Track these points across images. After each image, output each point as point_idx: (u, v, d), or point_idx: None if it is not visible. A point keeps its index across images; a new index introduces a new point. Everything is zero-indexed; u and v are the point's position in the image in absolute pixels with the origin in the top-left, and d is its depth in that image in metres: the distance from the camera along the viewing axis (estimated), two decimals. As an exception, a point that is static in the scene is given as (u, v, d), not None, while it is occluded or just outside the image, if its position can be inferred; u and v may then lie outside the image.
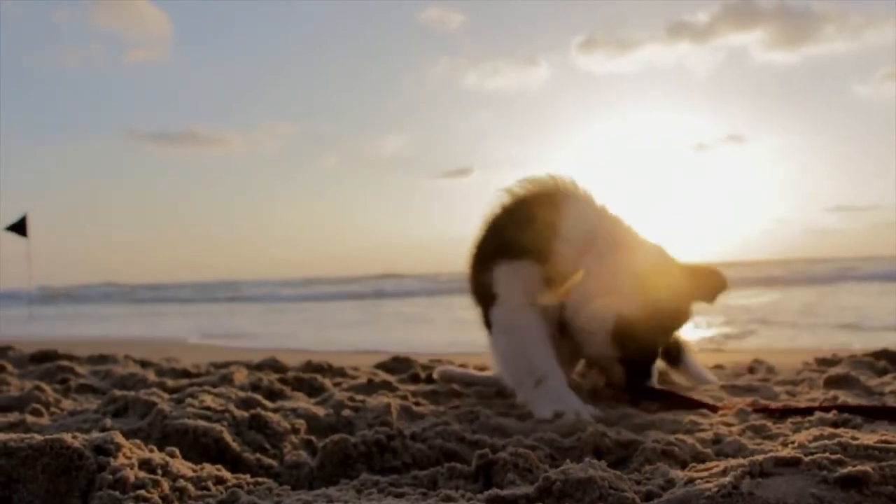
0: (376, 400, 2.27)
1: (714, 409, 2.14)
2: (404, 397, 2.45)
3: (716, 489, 1.16)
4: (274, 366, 3.36)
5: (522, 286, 2.31)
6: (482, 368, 2.99)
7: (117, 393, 2.13)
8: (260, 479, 1.49)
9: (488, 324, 2.43)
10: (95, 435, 1.41)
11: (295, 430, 1.92)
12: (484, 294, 2.42)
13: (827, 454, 1.24)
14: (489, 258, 2.41)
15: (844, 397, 2.28)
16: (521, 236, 2.32)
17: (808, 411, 1.97)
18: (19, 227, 13.01)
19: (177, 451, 1.54)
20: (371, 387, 2.72)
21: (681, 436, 1.70)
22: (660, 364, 2.65)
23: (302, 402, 2.35)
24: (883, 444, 1.28)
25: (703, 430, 1.85)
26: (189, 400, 2.02)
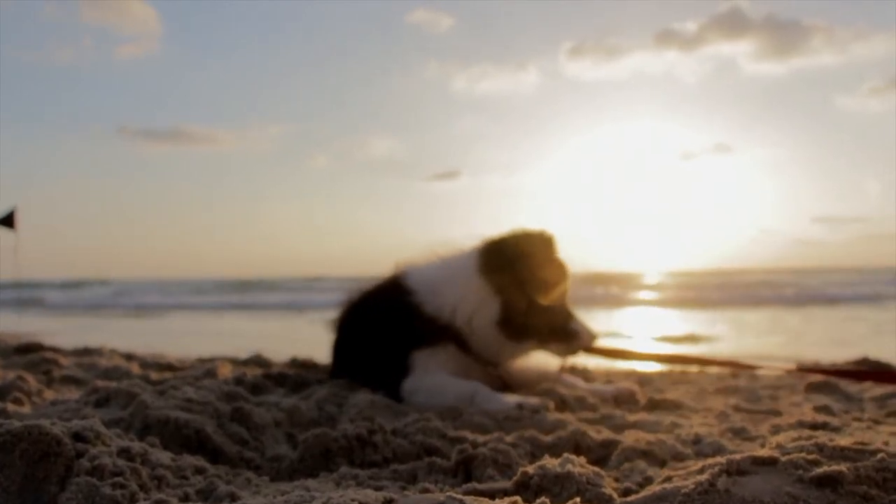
0: (360, 396, 2.27)
1: None
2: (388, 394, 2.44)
3: (693, 486, 1.17)
4: (259, 362, 3.36)
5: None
6: None
7: (99, 383, 2.12)
8: (239, 470, 1.49)
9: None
10: (74, 422, 1.40)
11: (277, 424, 1.92)
12: None
13: (804, 454, 1.25)
14: None
15: (827, 402, 2.30)
16: None
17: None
18: (7, 221, 12.94)
19: (157, 442, 1.53)
20: (355, 384, 2.70)
21: (661, 436, 1.71)
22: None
23: (285, 397, 2.35)
24: (858, 446, 1.29)
25: (684, 431, 1.86)
26: (171, 392, 2.01)
